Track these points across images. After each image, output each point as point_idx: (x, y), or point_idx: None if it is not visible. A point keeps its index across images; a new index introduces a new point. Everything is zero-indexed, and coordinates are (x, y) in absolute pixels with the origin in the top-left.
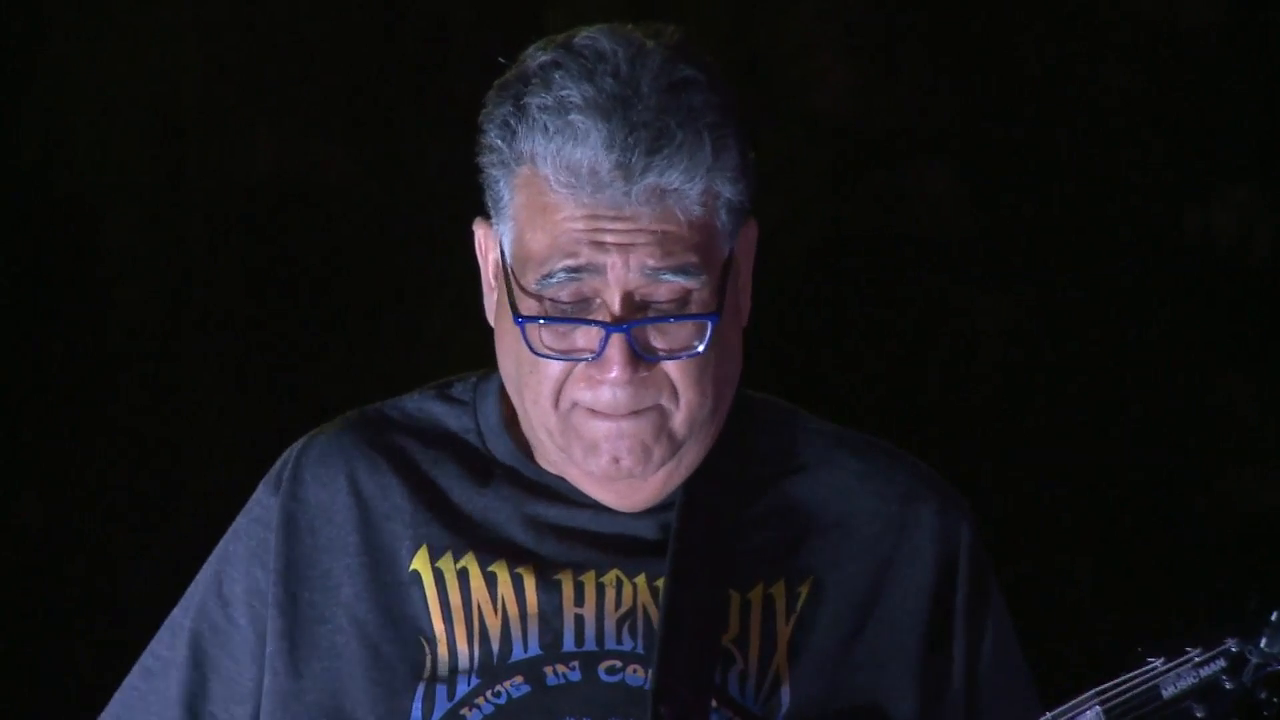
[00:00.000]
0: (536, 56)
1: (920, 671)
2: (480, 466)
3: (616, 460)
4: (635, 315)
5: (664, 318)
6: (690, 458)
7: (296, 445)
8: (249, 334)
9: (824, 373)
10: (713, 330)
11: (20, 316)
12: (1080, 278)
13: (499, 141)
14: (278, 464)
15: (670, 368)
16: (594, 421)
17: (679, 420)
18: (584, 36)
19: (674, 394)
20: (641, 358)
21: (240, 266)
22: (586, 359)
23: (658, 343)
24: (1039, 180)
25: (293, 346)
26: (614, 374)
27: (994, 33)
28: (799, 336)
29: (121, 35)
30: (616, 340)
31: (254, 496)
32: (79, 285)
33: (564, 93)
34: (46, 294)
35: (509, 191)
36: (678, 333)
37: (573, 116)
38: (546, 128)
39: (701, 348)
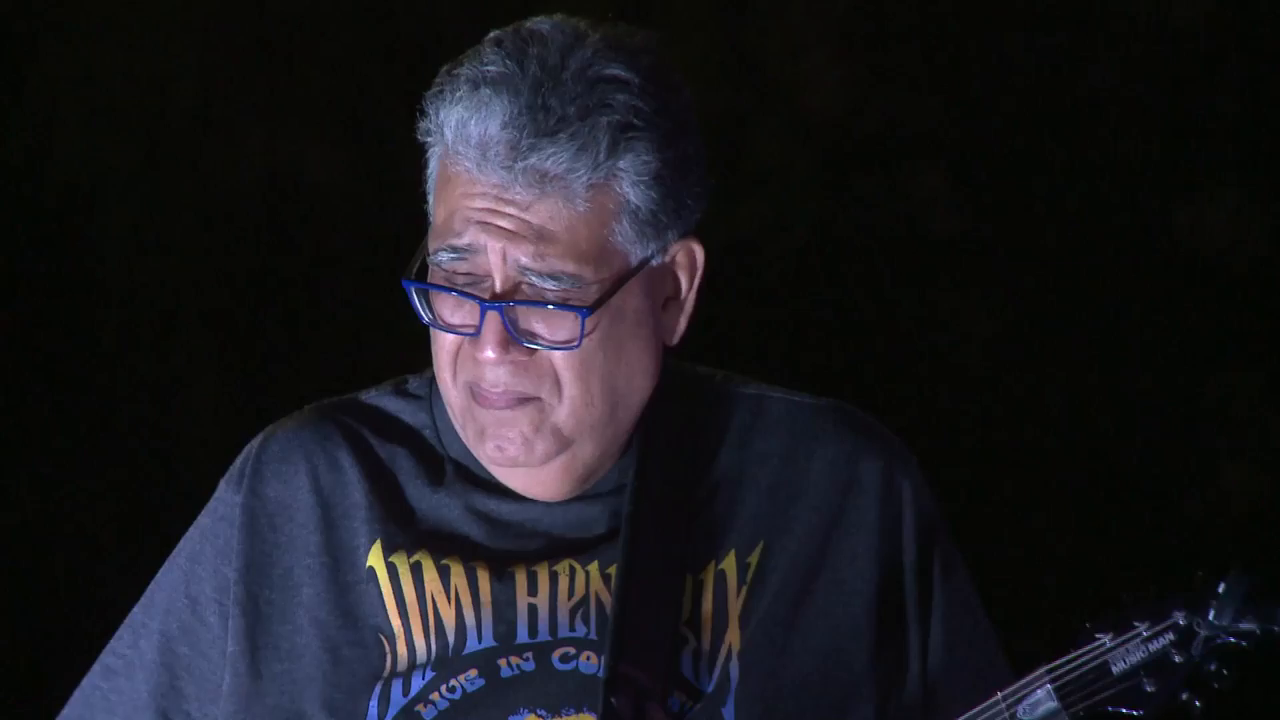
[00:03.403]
0: (490, 35)
1: (873, 633)
2: (435, 462)
3: (500, 449)
4: (515, 296)
5: (534, 303)
6: (586, 454)
7: (255, 441)
8: (241, 334)
9: (814, 372)
10: (584, 324)
11: (12, 316)
12: (1071, 277)
13: (430, 111)
14: (238, 461)
15: (556, 361)
16: (480, 409)
17: (563, 415)
18: (537, 21)
19: (557, 388)
20: (516, 340)
21: (232, 266)
22: (470, 335)
23: (538, 329)
24: (1030, 180)
25: (285, 347)
26: (485, 352)
27: (984, 33)
28: (788, 336)
29: (114, 36)
30: (491, 318)
31: (216, 494)
32: (71, 285)
33: (487, 67)
34: (37, 294)
35: (434, 161)
36: (559, 324)
37: (484, 89)
38: (461, 98)
39: (577, 342)
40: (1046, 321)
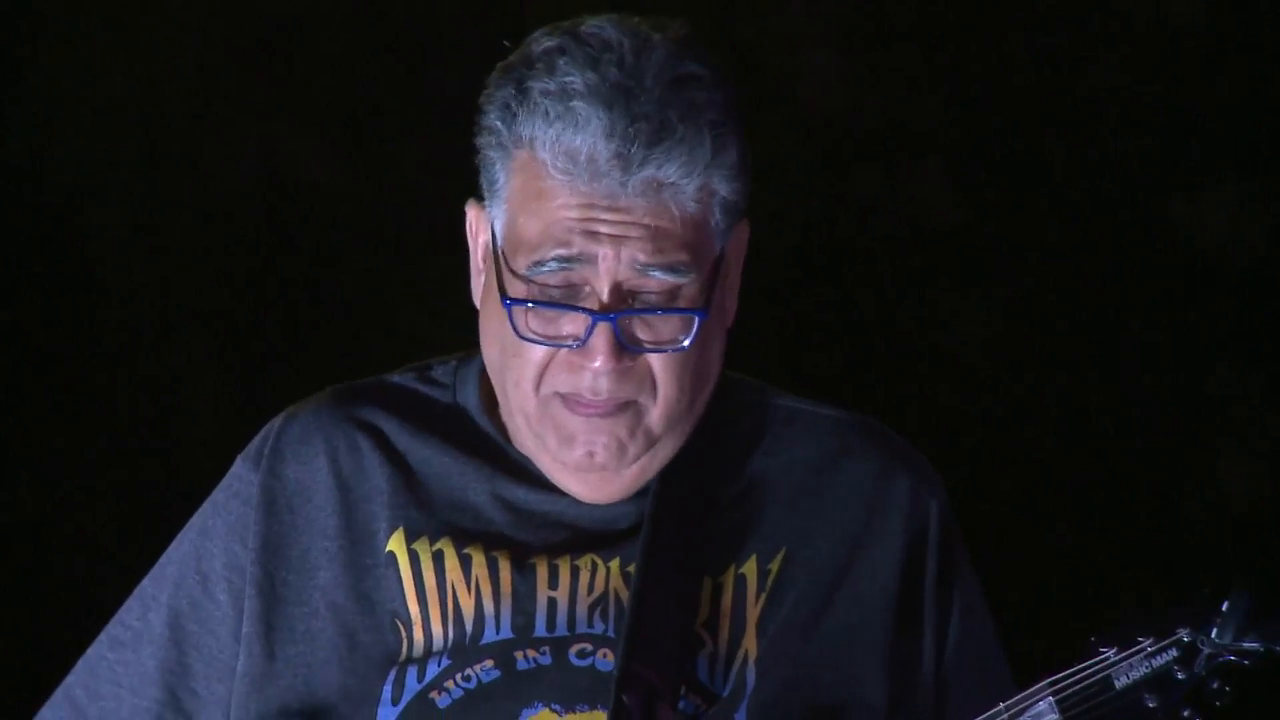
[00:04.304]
0: (542, 41)
1: (889, 649)
2: (460, 448)
3: (591, 455)
4: (623, 305)
5: (651, 310)
6: (665, 452)
7: (276, 421)
8: (241, 334)
9: (810, 369)
10: (699, 326)
11: (12, 316)
12: (1071, 275)
13: (499, 124)
14: (256, 439)
15: (654, 361)
16: (571, 415)
17: (655, 416)
18: (591, 25)
19: (653, 389)
20: (626, 348)
21: (232, 266)
22: (571, 346)
23: (643, 335)
24: (1029, 178)
25: (285, 347)
26: (598, 363)
27: (983, 29)
28: (785, 333)
29: (114, 36)
30: (602, 329)
31: (232, 471)
32: (71, 285)
33: (567, 79)
34: (37, 294)
35: (505, 174)
36: (663, 326)
37: (575, 103)
38: (548, 113)
39: (687, 343)
40: (1046, 320)
